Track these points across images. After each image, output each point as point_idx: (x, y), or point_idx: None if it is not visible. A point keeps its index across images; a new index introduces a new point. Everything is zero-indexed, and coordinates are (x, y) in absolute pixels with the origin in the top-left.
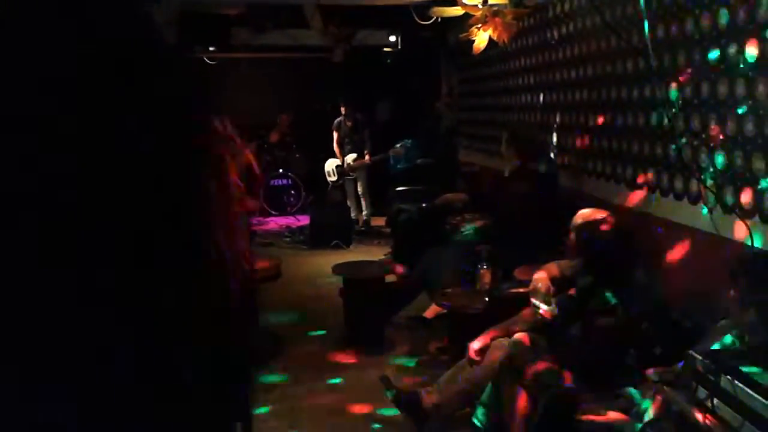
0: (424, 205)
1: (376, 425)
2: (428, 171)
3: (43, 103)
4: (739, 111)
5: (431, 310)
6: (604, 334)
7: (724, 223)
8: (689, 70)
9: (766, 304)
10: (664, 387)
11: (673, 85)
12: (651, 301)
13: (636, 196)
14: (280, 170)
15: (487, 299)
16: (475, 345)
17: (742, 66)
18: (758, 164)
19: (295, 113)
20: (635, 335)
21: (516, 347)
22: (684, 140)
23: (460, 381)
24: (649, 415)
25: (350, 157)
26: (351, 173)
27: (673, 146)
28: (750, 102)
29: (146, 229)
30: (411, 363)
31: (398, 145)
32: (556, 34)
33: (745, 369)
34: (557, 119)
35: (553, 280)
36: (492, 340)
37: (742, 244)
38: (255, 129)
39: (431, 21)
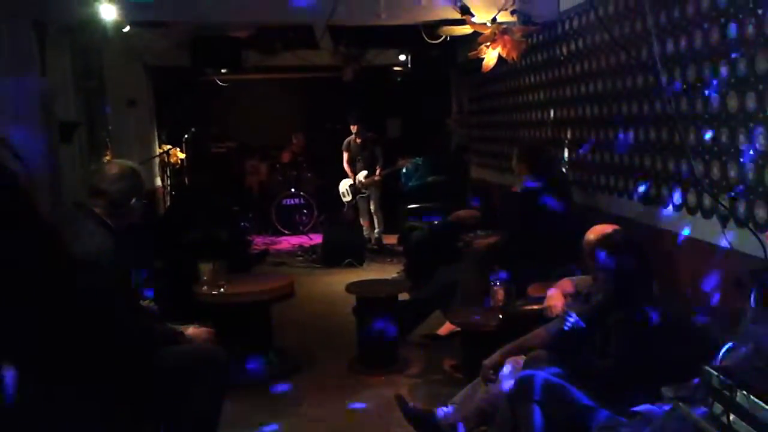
0: (436, 222)
1: None
2: (440, 188)
3: None
4: (750, 125)
5: (445, 328)
6: (620, 350)
7: (737, 237)
8: (699, 84)
9: None
10: (680, 403)
11: (683, 99)
12: (666, 316)
13: (648, 211)
14: (292, 189)
15: (500, 316)
16: (490, 363)
17: (752, 79)
18: None
19: (306, 133)
20: (652, 351)
21: (531, 364)
22: (696, 155)
23: (476, 399)
24: None
25: (362, 175)
26: (363, 191)
27: (684, 160)
28: (761, 115)
29: None
30: (425, 381)
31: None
32: (565, 50)
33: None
34: (568, 135)
35: (567, 296)
36: (506, 357)
37: (757, 258)
38: (267, 149)
39: (441, 40)
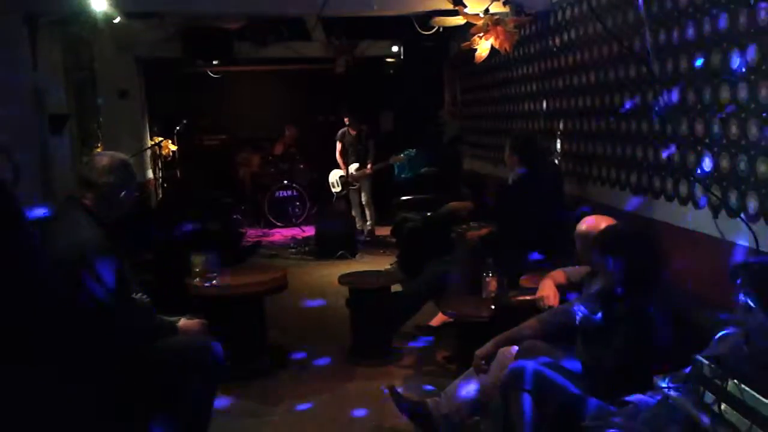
0: (428, 214)
1: None
2: (432, 180)
3: None
4: (742, 115)
5: (438, 319)
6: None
7: (729, 227)
8: (691, 75)
9: None
10: (672, 392)
11: (675, 90)
12: (659, 306)
13: (640, 202)
14: (285, 182)
15: (493, 307)
16: (482, 353)
17: (743, 70)
18: (763, 168)
19: (299, 125)
20: (644, 341)
21: (523, 355)
22: (686, 145)
23: (468, 389)
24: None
25: (353, 167)
26: (354, 183)
27: (676, 151)
28: (753, 105)
29: None
30: (418, 372)
31: (402, 155)
32: (557, 41)
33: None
34: (560, 126)
35: (559, 287)
36: (499, 348)
37: (748, 248)
38: (259, 141)
39: (433, 31)
